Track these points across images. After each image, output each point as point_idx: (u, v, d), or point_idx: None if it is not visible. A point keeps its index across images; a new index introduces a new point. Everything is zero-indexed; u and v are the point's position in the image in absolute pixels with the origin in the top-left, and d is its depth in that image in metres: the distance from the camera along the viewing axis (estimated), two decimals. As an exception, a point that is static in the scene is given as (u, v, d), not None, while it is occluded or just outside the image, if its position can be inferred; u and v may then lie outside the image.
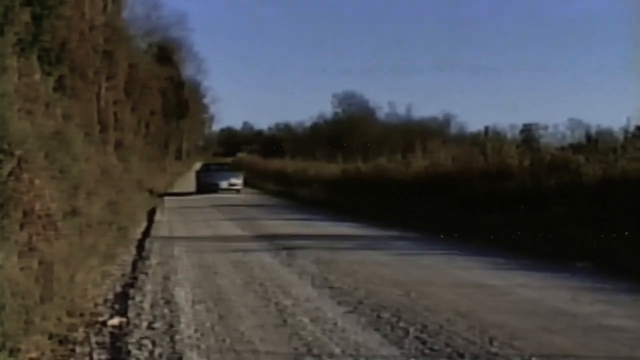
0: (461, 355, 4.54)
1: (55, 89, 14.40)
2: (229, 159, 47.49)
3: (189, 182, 42.05)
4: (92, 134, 19.10)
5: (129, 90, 31.76)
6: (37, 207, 7.45)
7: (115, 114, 27.43)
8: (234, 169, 36.12)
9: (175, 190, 33.75)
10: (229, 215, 17.65)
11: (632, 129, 16.53)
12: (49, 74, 14.11)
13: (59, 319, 5.26)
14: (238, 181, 31.34)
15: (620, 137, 16.69)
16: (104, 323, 5.46)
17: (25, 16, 12.28)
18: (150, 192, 26.48)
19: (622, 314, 5.85)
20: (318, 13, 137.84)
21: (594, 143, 17.81)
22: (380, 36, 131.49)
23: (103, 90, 24.89)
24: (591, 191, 12.56)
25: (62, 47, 16.28)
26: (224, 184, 30.70)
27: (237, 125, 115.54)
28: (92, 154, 15.94)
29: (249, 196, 28.68)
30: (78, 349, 4.76)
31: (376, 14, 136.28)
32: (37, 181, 7.92)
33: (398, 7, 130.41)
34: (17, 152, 7.61)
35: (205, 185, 30.71)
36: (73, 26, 17.52)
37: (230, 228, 14.06)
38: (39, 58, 13.71)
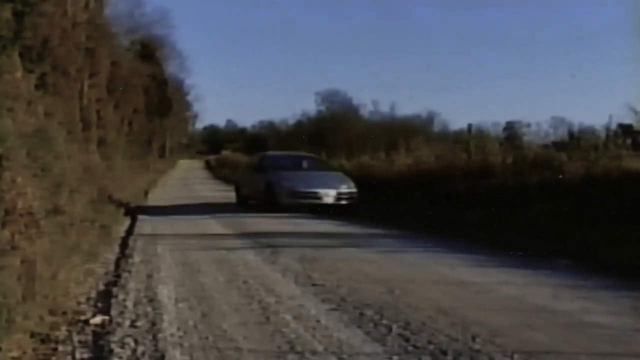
0: (444, 352, 4.56)
1: (37, 87, 14.34)
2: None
3: (175, 182, 41.96)
4: (75, 132, 19.04)
5: (112, 88, 31.63)
6: (19, 205, 7.42)
7: (97, 111, 27.33)
8: (323, 165, 21.87)
9: (158, 199, 24.68)
10: (211, 212, 17.63)
11: (614, 127, 16.68)
12: (30, 72, 14.06)
13: (41, 317, 5.23)
14: (351, 189, 18.26)
15: (602, 135, 16.84)
16: (86, 321, 5.44)
17: (7, 13, 12.22)
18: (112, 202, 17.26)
19: (602, 311, 5.89)
20: (301, 12, 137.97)
21: (576, 141, 17.98)
22: (363, 34, 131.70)
23: (85, 88, 24.81)
24: (573, 189, 12.68)
25: (44, 45, 16.22)
26: (329, 195, 17.81)
27: (221, 123, 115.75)
28: (75, 152, 15.89)
29: (231, 193, 28.58)
30: (60, 348, 4.74)
31: (360, 13, 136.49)
32: (18, 179, 7.89)
33: (382, 6, 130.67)
34: (-1, 150, 7.58)
35: (291, 196, 17.72)
36: (55, 23, 17.46)
37: (213, 226, 14.04)
38: (21, 55, 13.64)
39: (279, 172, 18.84)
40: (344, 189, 18.08)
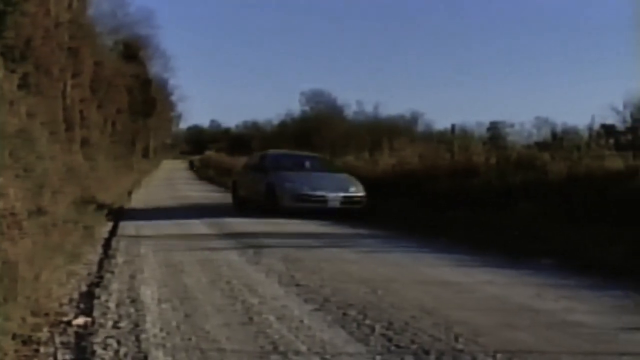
0: (427, 352, 4.57)
1: (19, 87, 14.26)
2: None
3: (159, 182, 41.78)
4: (58, 132, 18.95)
5: (95, 88, 31.48)
6: (1, 206, 7.39)
7: (81, 112, 27.19)
8: (328, 165, 19.89)
9: (142, 200, 23.48)
10: (194, 213, 17.57)
11: (596, 127, 16.85)
12: (13, 71, 13.97)
13: (23, 319, 5.20)
14: (360, 193, 16.80)
15: (585, 135, 16.97)
16: (68, 323, 5.41)
17: (-11, 13, 12.18)
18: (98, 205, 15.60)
19: (585, 310, 5.93)
20: (285, 12, 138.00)
21: (559, 141, 18.12)
22: (347, 34, 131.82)
23: (68, 88, 24.69)
24: (556, 188, 12.75)
25: (26, 44, 16.15)
26: (336, 199, 16.34)
27: (205, 123, 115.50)
28: (58, 153, 15.82)
29: (215, 194, 28.55)
30: (42, 349, 4.72)
31: (343, 12, 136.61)
32: (0, 180, 7.85)
33: (364, 5, 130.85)
34: (-19, 151, 7.54)
35: (295, 200, 16.30)
36: (38, 23, 17.38)
37: (197, 226, 13.98)
38: (3, 55, 13.59)
39: (281, 172, 17.40)
40: (352, 192, 16.68)
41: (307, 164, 18.86)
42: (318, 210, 15.92)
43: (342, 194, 16.42)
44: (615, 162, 12.89)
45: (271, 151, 21.43)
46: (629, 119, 64.81)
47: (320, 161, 20.05)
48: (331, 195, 16.31)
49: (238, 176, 21.05)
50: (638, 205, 10.56)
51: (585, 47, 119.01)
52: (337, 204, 16.24)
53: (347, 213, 16.03)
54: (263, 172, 17.87)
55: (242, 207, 19.00)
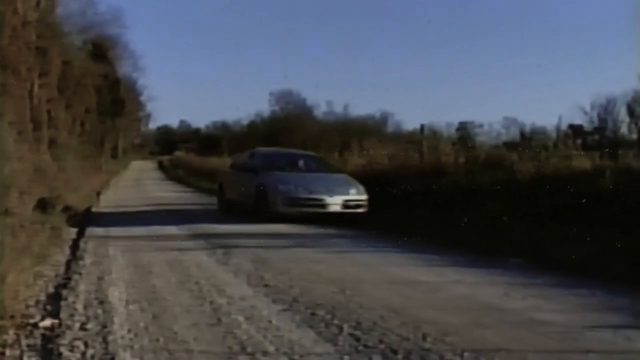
0: (395, 352, 4.58)
1: (-15, 87, 14.13)
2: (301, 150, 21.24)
3: (128, 183, 41.53)
4: (25, 132, 18.81)
5: (63, 88, 31.25)
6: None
7: (48, 111, 27.00)
8: (325, 165, 17.94)
9: (111, 200, 23.40)
10: (163, 213, 17.50)
11: (564, 127, 17.02)
12: (-21, 71, 13.85)
13: (-12, 321, 5.16)
14: (361, 195, 15.18)
15: (553, 135, 17.12)
16: (35, 325, 5.36)
17: (-46, 12, 12.05)
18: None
19: (552, 309, 5.98)
20: (254, 12, 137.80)
21: (527, 141, 18.24)
22: (317, 35, 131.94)
23: (36, 88, 24.52)
24: (524, 188, 12.82)
25: (-7, 44, 15.98)
26: (335, 203, 14.72)
27: (174, 123, 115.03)
28: (25, 153, 15.69)
29: (185, 194, 28.43)
30: (8, 352, 4.67)
31: (312, 12, 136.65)
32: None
33: (334, 5, 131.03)
34: (-55, 151, 7.46)
35: (289, 204, 14.71)
36: (5, 22, 17.24)
37: (166, 227, 13.90)
38: (-31, 54, 13.44)
39: (273, 173, 15.75)
40: (352, 194, 15.04)
41: (302, 163, 17.25)
42: (315, 216, 14.70)
43: (342, 197, 14.87)
44: (582, 162, 13.01)
45: (261, 149, 19.18)
46: (596, 119, 65.66)
47: (316, 160, 18.23)
48: (330, 198, 14.74)
49: (225, 177, 19.21)
50: (605, 205, 10.67)
51: (554, 48, 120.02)
52: (337, 209, 14.71)
53: (348, 218, 14.65)
54: (253, 172, 16.30)
55: (229, 210, 17.72)
